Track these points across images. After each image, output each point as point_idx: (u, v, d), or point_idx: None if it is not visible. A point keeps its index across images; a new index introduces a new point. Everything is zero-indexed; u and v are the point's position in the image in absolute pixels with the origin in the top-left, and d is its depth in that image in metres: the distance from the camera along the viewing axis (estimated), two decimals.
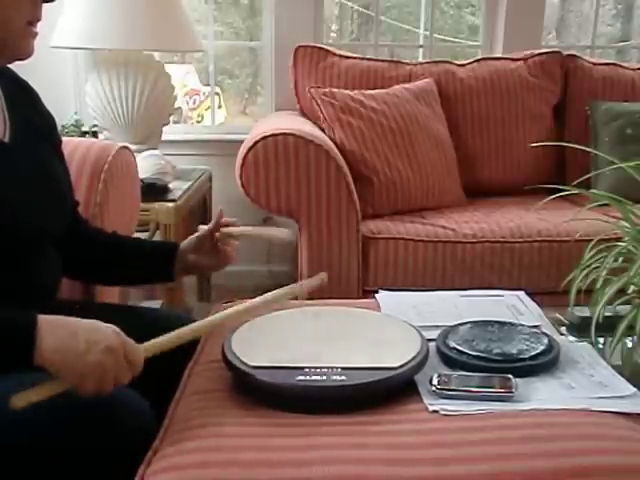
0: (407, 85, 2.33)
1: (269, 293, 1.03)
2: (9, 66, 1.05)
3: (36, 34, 0.96)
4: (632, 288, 1.11)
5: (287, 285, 1.08)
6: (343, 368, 0.90)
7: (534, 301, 1.26)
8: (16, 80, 1.11)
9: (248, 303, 1.01)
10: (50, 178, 1.08)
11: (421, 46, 3.02)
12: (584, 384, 0.95)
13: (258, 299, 1.01)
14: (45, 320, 0.82)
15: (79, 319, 0.85)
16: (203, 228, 1.21)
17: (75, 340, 0.81)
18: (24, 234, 0.99)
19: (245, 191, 1.88)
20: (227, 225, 1.19)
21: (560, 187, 1.26)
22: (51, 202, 1.06)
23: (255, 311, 1.03)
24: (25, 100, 1.11)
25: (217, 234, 1.19)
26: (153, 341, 0.90)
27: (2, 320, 0.82)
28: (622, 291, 1.10)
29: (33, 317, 0.82)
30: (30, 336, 0.80)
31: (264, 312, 1.08)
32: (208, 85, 3.15)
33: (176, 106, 2.42)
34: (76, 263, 1.19)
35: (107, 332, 0.84)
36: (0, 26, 0.91)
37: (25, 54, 0.96)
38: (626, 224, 1.18)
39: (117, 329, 0.85)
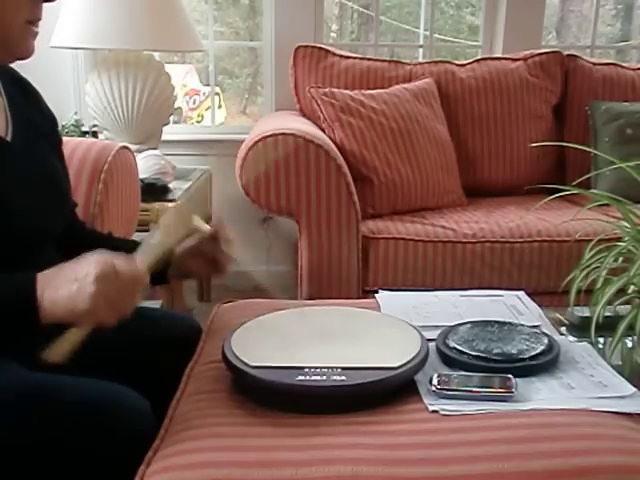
0: (407, 85, 2.33)
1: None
2: (10, 65, 1.05)
3: (36, 33, 0.96)
4: (632, 288, 1.11)
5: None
6: (343, 368, 0.90)
7: (534, 301, 1.26)
8: (17, 79, 1.11)
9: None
10: (50, 177, 1.08)
11: (421, 46, 3.02)
12: (584, 384, 0.95)
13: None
14: (40, 276, 0.83)
15: (66, 263, 0.85)
16: (201, 229, 1.19)
17: (66, 282, 0.82)
18: (23, 233, 0.99)
19: (245, 191, 1.88)
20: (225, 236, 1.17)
21: (560, 187, 1.26)
22: (51, 201, 1.06)
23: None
24: (26, 99, 1.11)
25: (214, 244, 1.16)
26: (140, 254, 0.91)
27: (4, 287, 0.83)
28: (622, 291, 1.10)
29: (32, 278, 0.83)
30: (33, 296, 0.81)
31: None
32: (208, 85, 3.15)
33: (176, 106, 2.42)
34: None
35: (91, 262, 0.83)
36: (0, 26, 0.90)
37: (25, 54, 0.96)
38: (626, 224, 1.18)
39: (103, 252, 0.85)
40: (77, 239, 1.20)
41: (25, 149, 1.03)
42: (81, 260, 0.85)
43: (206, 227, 1.10)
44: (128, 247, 1.26)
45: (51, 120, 1.16)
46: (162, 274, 1.21)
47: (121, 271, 0.83)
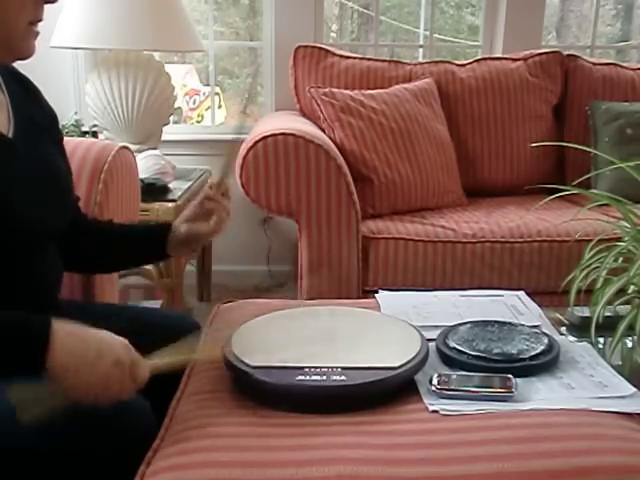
0: (407, 85, 2.33)
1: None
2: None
3: (37, 34, 0.96)
4: (632, 288, 1.11)
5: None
6: (343, 368, 0.90)
7: (534, 301, 1.26)
8: (18, 77, 1.11)
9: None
10: (52, 175, 1.08)
11: (421, 46, 3.02)
12: (584, 384, 0.95)
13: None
14: (59, 325, 0.82)
15: (92, 329, 0.85)
16: (195, 201, 1.20)
17: (85, 348, 0.81)
18: (26, 231, 0.99)
19: (245, 191, 1.88)
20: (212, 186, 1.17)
21: (560, 187, 1.26)
22: (53, 199, 1.06)
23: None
24: (27, 96, 1.11)
25: (206, 202, 1.16)
26: (158, 358, 0.90)
27: (18, 323, 0.82)
28: (622, 291, 1.10)
29: (48, 323, 0.82)
30: (45, 340, 0.80)
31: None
32: (208, 85, 3.15)
33: (176, 106, 2.42)
34: (74, 256, 1.19)
35: (117, 345, 0.84)
36: (1, 26, 0.91)
37: (26, 54, 0.96)
38: (626, 224, 1.18)
39: (127, 342, 0.85)
40: (80, 230, 1.20)
41: (27, 147, 1.03)
42: (107, 336, 0.85)
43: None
44: (128, 227, 1.27)
45: (52, 117, 1.16)
46: (161, 250, 1.20)
47: (133, 369, 0.84)
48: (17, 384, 0.81)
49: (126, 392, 0.84)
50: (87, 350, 0.81)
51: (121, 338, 0.85)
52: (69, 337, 0.82)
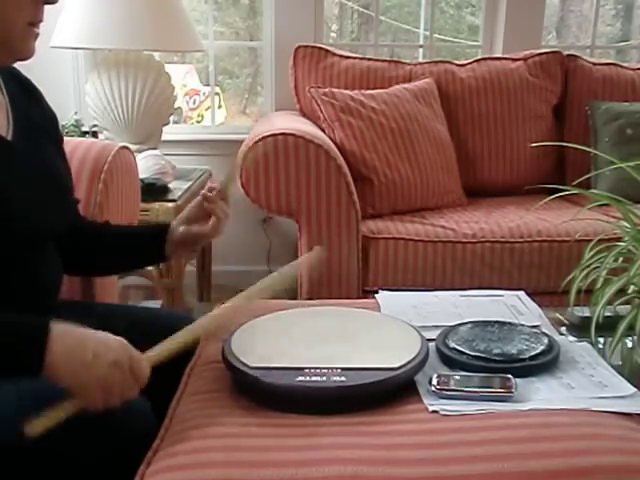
0: (407, 85, 2.33)
1: (265, 279, 1.01)
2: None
3: (37, 35, 0.96)
4: (632, 288, 1.11)
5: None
6: (343, 368, 0.90)
7: (534, 301, 1.26)
8: (19, 78, 1.11)
9: (244, 293, 1.00)
10: (52, 176, 1.08)
11: (421, 46, 3.02)
12: (584, 384, 0.95)
13: (253, 287, 1.00)
14: (56, 327, 0.82)
15: (90, 330, 0.84)
16: (193, 202, 1.19)
17: (83, 350, 0.81)
18: (24, 232, 0.99)
19: (245, 191, 1.88)
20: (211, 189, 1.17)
21: (560, 187, 1.26)
22: (52, 200, 1.06)
23: (252, 299, 1.01)
24: (28, 97, 1.11)
25: (204, 198, 1.15)
26: (157, 350, 0.89)
27: (16, 325, 0.82)
28: (622, 291, 1.10)
29: (46, 324, 0.81)
30: (42, 343, 0.80)
31: (262, 297, 1.04)
32: (208, 85, 3.15)
33: (176, 106, 2.42)
34: (73, 258, 1.19)
35: (115, 345, 0.83)
36: (1, 27, 0.91)
37: (26, 55, 0.96)
38: (626, 224, 1.18)
39: (125, 342, 0.85)
40: (79, 233, 1.20)
41: (26, 148, 1.03)
42: (105, 337, 0.84)
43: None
44: (124, 231, 1.27)
45: (52, 118, 1.16)
46: (159, 252, 1.19)
47: (133, 366, 0.83)
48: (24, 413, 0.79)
49: (129, 392, 0.84)
50: (84, 353, 0.81)
51: (119, 338, 0.85)
52: (66, 339, 0.81)
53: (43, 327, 0.81)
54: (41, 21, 0.95)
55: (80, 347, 0.81)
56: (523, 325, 1.10)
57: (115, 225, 1.29)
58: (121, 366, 0.82)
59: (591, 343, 1.08)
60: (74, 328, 0.83)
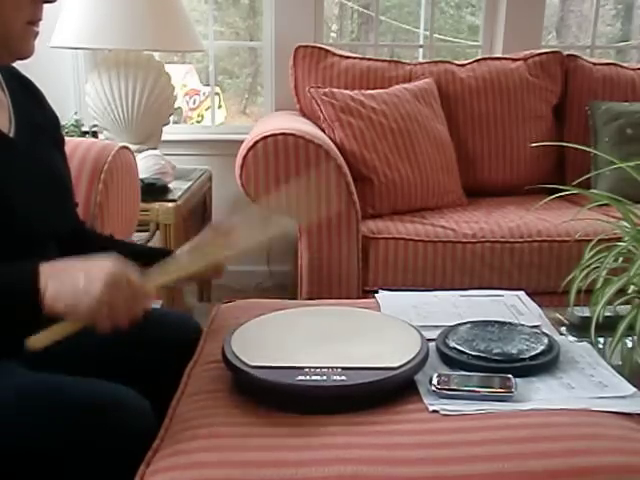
0: (407, 85, 2.33)
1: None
2: (12, 65, 1.05)
3: (37, 33, 0.96)
4: (632, 288, 1.11)
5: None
6: (343, 368, 0.90)
7: (534, 301, 1.26)
8: (20, 78, 1.11)
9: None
10: (53, 176, 1.08)
11: (421, 46, 3.02)
12: (584, 384, 0.95)
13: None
14: (46, 267, 0.83)
15: (78, 259, 0.85)
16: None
17: (75, 278, 0.81)
18: (25, 231, 0.99)
19: (245, 191, 1.88)
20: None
21: (560, 187, 1.26)
22: (53, 200, 1.06)
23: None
24: (29, 97, 1.11)
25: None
26: (157, 271, 0.90)
27: (6, 277, 0.83)
28: (622, 291, 1.10)
29: (35, 267, 0.83)
30: (35, 285, 0.81)
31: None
32: (208, 85, 3.15)
33: (176, 106, 2.42)
34: None
35: (105, 264, 0.83)
36: (1, 26, 0.91)
37: (26, 54, 0.96)
38: (626, 224, 1.18)
39: (116, 257, 0.84)
40: (77, 239, 1.20)
41: (28, 147, 1.03)
42: (95, 259, 0.84)
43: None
44: (128, 251, 1.27)
45: (54, 119, 1.16)
46: None
47: (132, 282, 0.83)
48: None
49: (134, 307, 0.84)
50: (77, 280, 0.81)
51: (111, 257, 0.84)
52: (57, 275, 0.82)
53: (30, 272, 0.82)
54: (40, 20, 0.95)
55: (71, 276, 0.82)
56: (523, 325, 1.10)
57: (119, 240, 1.29)
58: (117, 281, 0.82)
59: (591, 343, 1.08)
60: (62, 261, 0.85)
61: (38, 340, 0.80)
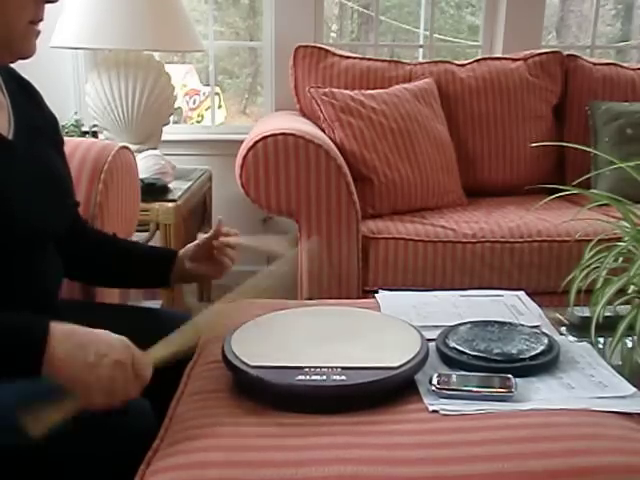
0: (407, 85, 2.33)
1: (261, 274, 1.04)
2: (11, 66, 1.05)
3: (39, 33, 0.96)
4: (632, 288, 1.11)
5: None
6: (343, 368, 0.90)
7: (534, 301, 1.26)
8: (19, 80, 1.11)
9: (241, 288, 1.01)
10: (52, 177, 1.08)
11: (421, 46, 3.02)
12: (584, 384, 0.95)
13: (249, 282, 1.01)
14: (57, 328, 0.82)
15: (91, 329, 0.84)
16: (202, 236, 1.22)
17: (85, 351, 0.81)
18: (23, 232, 0.99)
19: (245, 191, 1.88)
20: (227, 234, 1.19)
21: (560, 187, 1.26)
22: (52, 201, 1.06)
23: (248, 294, 1.02)
24: (28, 100, 1.11)
25: (215, 242, 1.19)
26: (158, 349, 0.89)
27: (16, 326, 0.81)
28: (622, 291, 1.10)
29: (46, 324, 0.81)
30: (43, 344, 0.79)
31: (259, 293, 1.05)
32: (208, 85, 3.15)
33: (176, 106, 2.42)
34: (74, 264, 1.19)
35: (117, 345, 0.83)
36: (2, 26, 0.91)
37: (28, 53, 0.96)
38: (626, 224, 1.18)
39: (127, 341, 0.85)
40: (80, 238, 1.20)
41: (27, 149, 1.03)
42: (106, 335, 0.84)
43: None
44: (131, 248, 1.28)
45: (52, 121, 1.17)
46: (164, 279, 1.21)
47: (135, 365, 0.83)
48: (24, 408, 0.79)
49: (132, 391, 0.84)
50: (86, 354, 0.80)
51: (121, 337, 0.85)
52: (67, 340, 0.81)
53: (43, 329, 0.81)
54: (42, 20, 0.96)
55: (82, 348, 0.81)
56: (523, 325, 1.10)
57: (122, 240, 1.29)
58: (124, 366, 0.82)
59: (591, 343, 1.08)
60: (75, 328, 0.83)
61: (36, 427, 0.78)
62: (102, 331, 0.85)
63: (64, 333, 0.82)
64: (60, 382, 0.81)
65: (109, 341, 0.83)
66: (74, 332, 0.83)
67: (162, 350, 0.90)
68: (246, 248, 1.20)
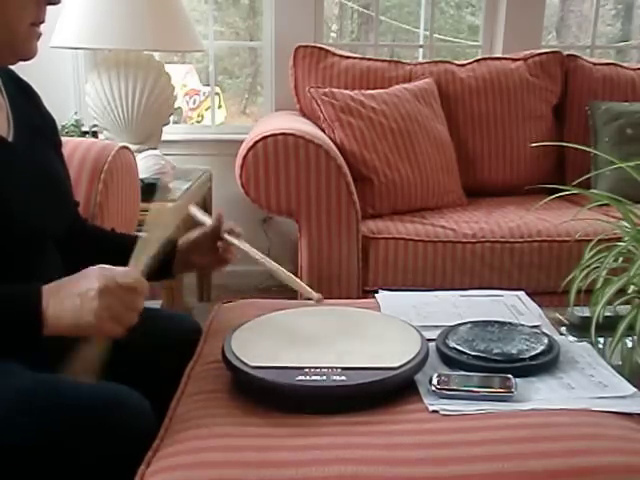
0: (407, 85, 2.33)
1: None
2: (11, 67, 1.05)
3: (40, 35, 0.96)
4: (632, 288, 1.11)
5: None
6: (343, 368, 0.90)
7: (534, 301, 1.26)
8: (18, 81, 1.11)
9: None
10: (51, 179, 1.08)
11: (421, 46, 3.02)
12: (584, 384, 0.95)
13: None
14: (45, 289, 0.85)
15: (71, 276, 0.87)
16: (204, 222, 1.20)
17: (71, 299, 0.84)
18: (23, 233, 0.99)
19: (245, 191, 1.88)
20: (231, 231, 1.18)
21: (560, 187, 1.26)
22: (51, 202, 1.06)
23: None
24: (27, 101, 1.11)
25: (220, 244, 1.18)
26: (138, 257, 0.92)
27: (14, 294, 0.85)
28: (622, 291, 1.10)
29: (38, 287, 0.85)
30: (38, 304, 0.83)
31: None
32: (208, 85, 3.15)
33: (176, 106, 2.42)
34: (74, 263, 1.19)
35: (92, 276, 0.85)
36: (4, 28, 0.91)
37: (29, 55, 0.96)
38: (626, 224, 1.18)
39: (103, 266, 0.87)
40: (80, 237, 1.20)
41: (26, 150, 1.03)
42: (82, 274, 0.87)
43: (205, 218, 1.12)
44: (131, 242, 1.28)
45: (51, 122, 1.17)
46: (167, 269, 1.21)
47: (122, 283, 0.85)
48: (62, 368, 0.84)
49: (135, 304, 0.86)
50: (72, 300, 0.83)
51: (94, 267, 0.87)
52: (53, 299, 0.84)
53: (36, 294, 0.84)
54: (43, 21, 0.96)
55: (65, 296, 0.84)
56: (523, 325, 1.10)
57: (121, 234, 1.29)
58: (109, 289, 0.84)
59: (591, 343, 1.08)
60: (59, 283, 0.87)
61: (78, 369, 0.83)
62: (81, 272, 0.87)
63: (51, 292, 0.85)
64: (65, 334, 0.83)
65: (83, 277, 0.86)
66: (59, 288, 0.86)
67: (141, 257, 0.92)
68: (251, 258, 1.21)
